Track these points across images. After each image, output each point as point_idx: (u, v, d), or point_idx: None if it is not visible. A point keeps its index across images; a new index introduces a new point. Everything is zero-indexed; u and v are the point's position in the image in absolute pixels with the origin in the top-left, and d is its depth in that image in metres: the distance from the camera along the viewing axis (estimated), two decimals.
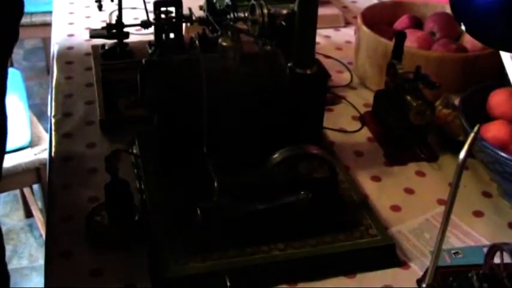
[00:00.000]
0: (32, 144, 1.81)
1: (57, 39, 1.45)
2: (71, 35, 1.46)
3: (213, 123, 0.86)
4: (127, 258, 0.85)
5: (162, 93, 0.87)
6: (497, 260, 0.75)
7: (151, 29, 1.11)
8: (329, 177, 0.86)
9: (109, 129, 1.10)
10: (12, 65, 2.79)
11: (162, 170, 0.93)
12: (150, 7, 1.08)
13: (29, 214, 2.27)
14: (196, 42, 0.97)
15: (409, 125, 1.05)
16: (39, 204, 2.15)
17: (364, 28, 1.25)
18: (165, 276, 0.78)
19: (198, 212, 0.79)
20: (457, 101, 1.03)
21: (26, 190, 2.16)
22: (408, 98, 1.05)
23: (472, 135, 0.63)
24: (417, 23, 1.34)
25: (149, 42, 1.17)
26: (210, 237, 0.82)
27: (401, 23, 1.35)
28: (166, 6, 1.09)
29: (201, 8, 1.12)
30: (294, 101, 0.89)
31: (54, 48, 1.41)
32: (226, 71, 0.87)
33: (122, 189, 0.87)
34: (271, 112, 0.89)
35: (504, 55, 0.97)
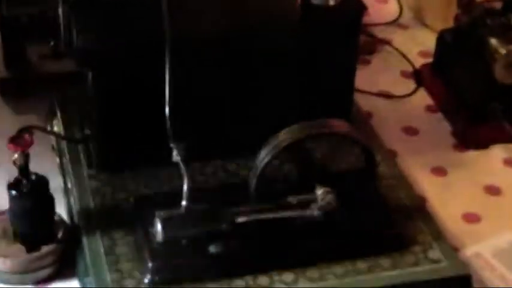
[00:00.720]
0: None
1: None
2: None
3: (181, 84, 0.87)
4: None
5: (100, 37, 0.88)
6: None
7: None
8: (364, 168, 0.88)
9: (13, 93, 1.12)
10: None
11: (100, 158, 0.95)
12: None
13: None
14: None
15: (494, 85, 1.07)
16: None
17: None
18: None
19: (158, 224, 0.81)
20: None
21: None
22: (493, 41, 1.07)
23: None
24: None
25: None
26: (177, 263, 0.84)
27: None
28: None
29: None
30: (309, 48, 0.92)
31: None
32: (201, 2, 0.89)
33: (36, 191, 0.88)
34: (272, 67, 0.91)
35: None
